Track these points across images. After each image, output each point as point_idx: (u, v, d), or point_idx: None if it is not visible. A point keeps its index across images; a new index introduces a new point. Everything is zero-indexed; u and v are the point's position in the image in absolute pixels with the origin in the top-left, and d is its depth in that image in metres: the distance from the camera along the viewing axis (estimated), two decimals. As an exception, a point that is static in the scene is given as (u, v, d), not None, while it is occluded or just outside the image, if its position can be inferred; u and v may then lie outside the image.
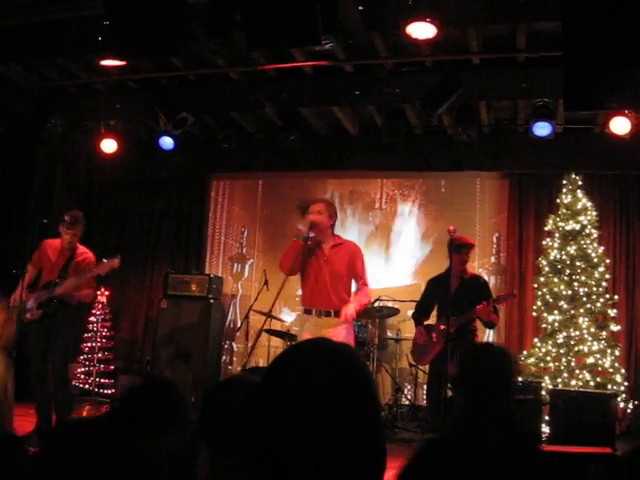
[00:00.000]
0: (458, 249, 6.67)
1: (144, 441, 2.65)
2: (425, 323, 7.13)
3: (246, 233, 10.86)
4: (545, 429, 6.94)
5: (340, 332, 5.66)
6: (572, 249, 8.03)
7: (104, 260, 6.54)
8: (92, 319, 9.64)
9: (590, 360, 7.60)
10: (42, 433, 5.76)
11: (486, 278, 9.53)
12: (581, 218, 8.13)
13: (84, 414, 8.05)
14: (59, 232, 6.60)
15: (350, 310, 5.66)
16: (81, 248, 6.72)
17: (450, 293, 6.39)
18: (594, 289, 7.91)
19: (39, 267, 6.69)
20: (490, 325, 7.01)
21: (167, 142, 8.98)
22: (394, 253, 10.16)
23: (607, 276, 8.06)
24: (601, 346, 7.65)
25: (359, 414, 1.21)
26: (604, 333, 7.78)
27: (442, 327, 6.61)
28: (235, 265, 10.84)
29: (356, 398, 1.21)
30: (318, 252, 5.87)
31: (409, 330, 9.28)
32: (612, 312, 7.91)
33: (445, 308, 6.54)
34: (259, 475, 1.19)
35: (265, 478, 1.18)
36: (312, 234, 5.79)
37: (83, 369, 9.38)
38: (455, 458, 2.14)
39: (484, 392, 2.70)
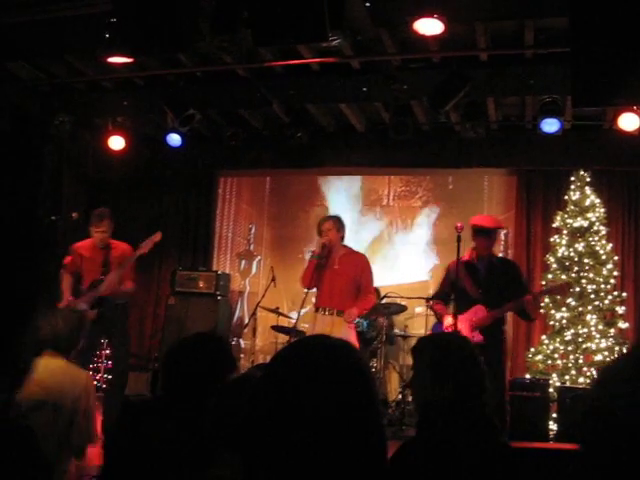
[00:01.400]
0: (488, 233, 6.19)
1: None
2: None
3: (253, 230, 10.87)
4: (553, 427, 6.93)
5: (344, 330, 6.44)
6: (580, 246, 8.01)
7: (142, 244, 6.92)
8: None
9: (598, 357, 7.58)
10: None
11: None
12: (589, 215, 8.10)
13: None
14: (89, 232, 6.82)
15: (353, 312, 6.54)
16: (115, 242, 6.92)
17: (481, 278, 6.11)
18: (602, 286, 7.88)
19: (75, 271, 6.81)
20: (531, 317, 6.39)
21: (175, 139, 8.99)
22: (402, 250, 10.15)
23: (615, 273, 8.03)
24: (609, 343, 7.63)
25: (358, 409, 1.21)
26: (612, 330, 7.76)
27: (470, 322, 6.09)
28: (242, 262, 10.85)
29: (355, 393, 1.22)
30: (329, 262, 6.68)
31: (417, 327, 9.28)
32: (620, 309, 7.89)
33: (472, 299, 6.11)
34: (259, 472, 1.19)
35: (265, 474, 1.18)
36: (326, 253, 6.63)
37: (91, 366, 9.40)
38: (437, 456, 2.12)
39: (473, 388, 2.54)
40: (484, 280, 6.18)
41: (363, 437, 1.20)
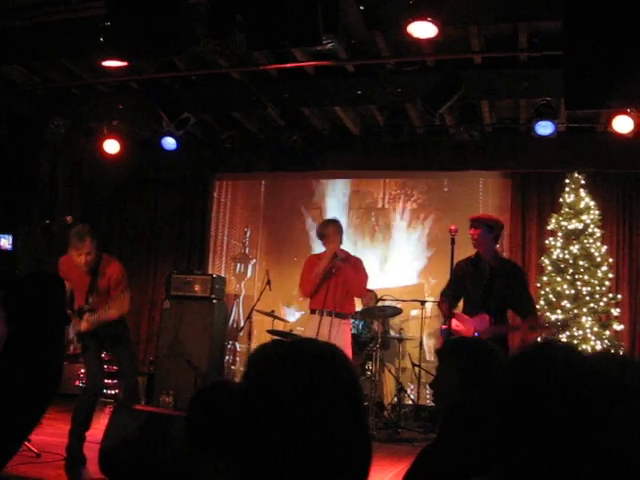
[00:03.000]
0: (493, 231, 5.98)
1: None
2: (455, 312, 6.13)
3: (249, 233, 10.86)
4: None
5: (342, 331, 6.61)
6: (575, 248, 8.03)
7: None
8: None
9: (593, 359, 7.58)
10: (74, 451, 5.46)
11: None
12: (584, 217, 8.12)
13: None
14: (70, 252, 5.73)
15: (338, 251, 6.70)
16: (103, 268, 5.79)
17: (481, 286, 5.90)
18: (597, 288, 7.90)
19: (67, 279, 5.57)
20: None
21: (169, 142, 8.99)
22: (397, 253, 10.16)
23: (610, 275, 8.05)
24: (604, 345, 7.64)
25: (342, 415, 1.21)
26: (607, 332, 7.77)
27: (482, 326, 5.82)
28: (238, 265, 10.84)
29: (339, 399, 1.22)
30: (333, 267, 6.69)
31: (412, 330, 9.29)
32: (615, 311, 7.90)
33: (475, 303, 5.92)
34: (245, 476, 1.19)
35: (252, 477, 1.19)
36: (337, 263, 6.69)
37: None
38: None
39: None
40: (484, 287, 5.91)
41: (347, 441, 1.21)
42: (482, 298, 5.90)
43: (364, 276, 6.83)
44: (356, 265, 6.84)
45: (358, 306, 8.77)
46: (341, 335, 6.54)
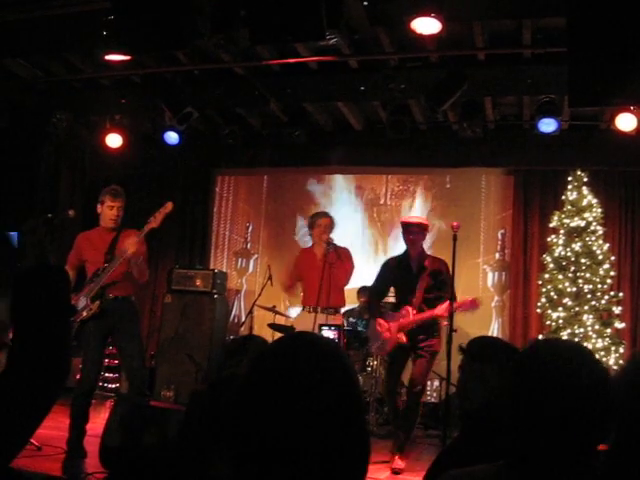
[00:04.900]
0: (405, 228, 6.55)
1: None
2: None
3: (251, 228, 10.86)
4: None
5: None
6: (577, 246, 8.01)
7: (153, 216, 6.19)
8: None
9: (594, 357, 7.57)
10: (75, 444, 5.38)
11: (490, 275, 9.56)
12: (586, 215, 8.10)
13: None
14: (100, 211, 6.15)
15: None
16: (125, 230, 6.13)
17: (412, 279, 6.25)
18: (599, 286, 7.88)
19: (79, 264, 5.93)
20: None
21: (172, 137, 8.98)
22: (398, 249, 10.14)
23: (612, 273, 8.03)
24: (605, 343, 7.63)
25: (339, 409, 1.21)
26: (609, 330, 7.75)
27: (405, 320, 6.10)
28: (239, 260, 10.85)
29: (337, 392, 1.22)
30: (326, 259, 6.91)
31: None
32: (617, 309, 7.89)
33: (404, 296, 6.27)
34: (244, 469, 1.19)
35: (249, 472, 1.19)
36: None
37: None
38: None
39: None
40: (414, 281, 6.25)
41: (346, 435, 1.21)
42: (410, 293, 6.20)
43: (350, 265, 7.07)
44: (343, 254, 7.03)
45: (355, 304, 8.79)
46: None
